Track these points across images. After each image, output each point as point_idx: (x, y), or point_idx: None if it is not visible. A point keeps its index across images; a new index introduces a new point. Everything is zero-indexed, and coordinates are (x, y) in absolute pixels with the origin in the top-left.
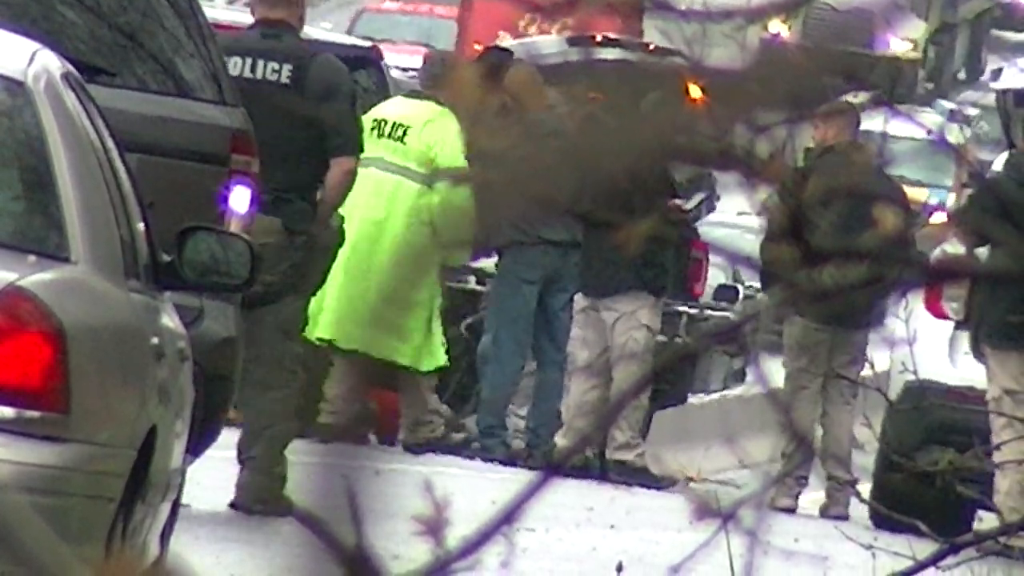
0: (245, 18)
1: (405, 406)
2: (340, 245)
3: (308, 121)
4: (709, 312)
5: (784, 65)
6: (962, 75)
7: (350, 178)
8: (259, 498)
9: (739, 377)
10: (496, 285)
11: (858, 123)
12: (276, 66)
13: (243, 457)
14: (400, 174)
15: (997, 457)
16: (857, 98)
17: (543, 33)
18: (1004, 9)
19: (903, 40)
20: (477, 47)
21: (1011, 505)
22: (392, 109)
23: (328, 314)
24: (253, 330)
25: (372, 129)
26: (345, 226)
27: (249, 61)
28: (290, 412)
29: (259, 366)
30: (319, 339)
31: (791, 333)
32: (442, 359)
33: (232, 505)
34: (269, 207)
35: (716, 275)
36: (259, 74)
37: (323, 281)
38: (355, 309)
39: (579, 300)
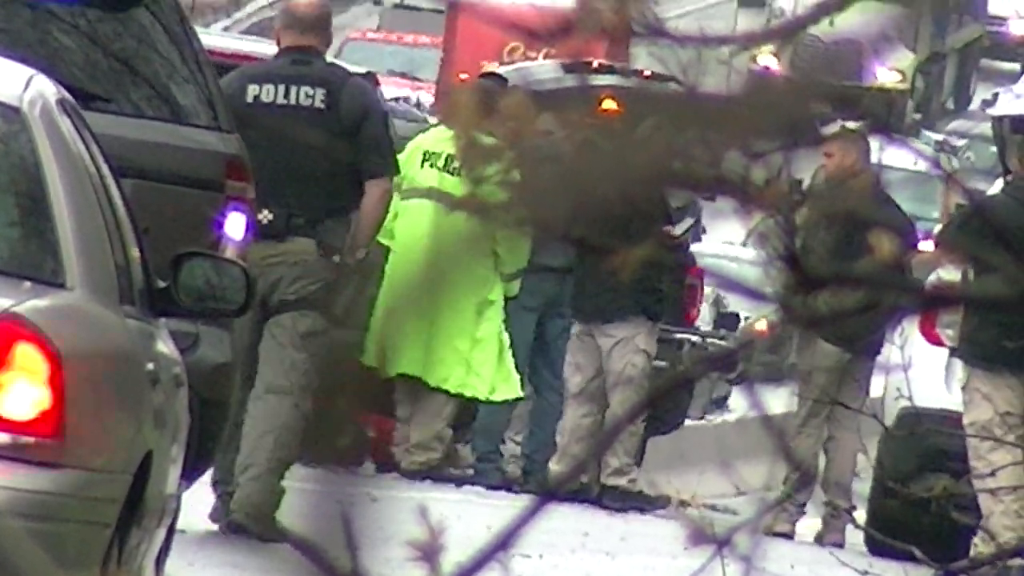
0: (240, 45)
1: (413, 429)
2: (383, 273)
3: (343, 144)
4: (712, 340)
5: (772, 95)
6: (950, 105)
7: (386, 200)
8: (253, 514)
9: (720, 404)
10: (510, 314)
11: (868, 150)
12: (310, 91)
13: (240, 471)
14: None
15: (990, 482)
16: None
17: (528, 60)
18: (992, 38)
19: (891, 71)
20: (462, 76)
21: (1007, 524)
22: (438, 140)
23: (407, 351)
24: (267, 337)
25: (423, 161)
26: (393, 258)
27: (283, 88)
28: (292, 423)
29: (267, 371)
30: (401, 375)
31: (811, 357)
32: (517, 390)
33: (225, 528)
34: (305, 230)
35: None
36: (292, 99)
37: (360, 307)
38: (423, 343)
39: (574, 325)
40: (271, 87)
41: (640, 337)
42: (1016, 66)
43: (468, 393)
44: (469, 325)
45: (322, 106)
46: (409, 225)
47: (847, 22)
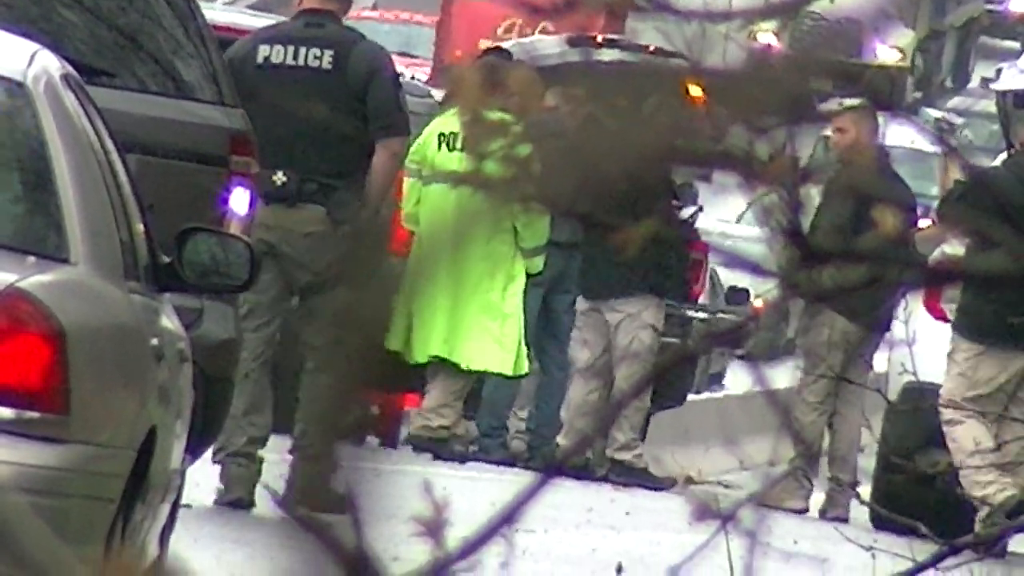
0: (244, 19)
1: (427, 398)
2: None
3: (351, 106)
4: (723, 317)
5: (773, 73)
6: (949, 83)
7: (397, 161)
8: (311, 492)
9: (716, 380)
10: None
11: (877, 126)
12: (318, 52)
13: (296, 448)
14: None
15: (959, 455)
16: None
17: (523, 37)
18: (991, 16)
19: (891, 48)
20: (458, 54)
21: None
22: (454, 121)
23: (435, 331)
24: (307, 320)
25: (440, 143)
26: (417, 243)
27: (291, 48)
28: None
29: (314, 354)
30: (434, 357)
31: (818, 332)
32: (526, 366)
33: (278, 503)
34: (314, 196)
35: (728, 278)
36: (301, 60)
37: (382, 277)
38: (456, 323)
39: (580, 302)
40: (281, 48)
41: (647, 313)
42: (1016, 44)
43: (497, 369)
44: (497, 302)
45: (329, 67)
46: (433, 210)
47: (847, 1)
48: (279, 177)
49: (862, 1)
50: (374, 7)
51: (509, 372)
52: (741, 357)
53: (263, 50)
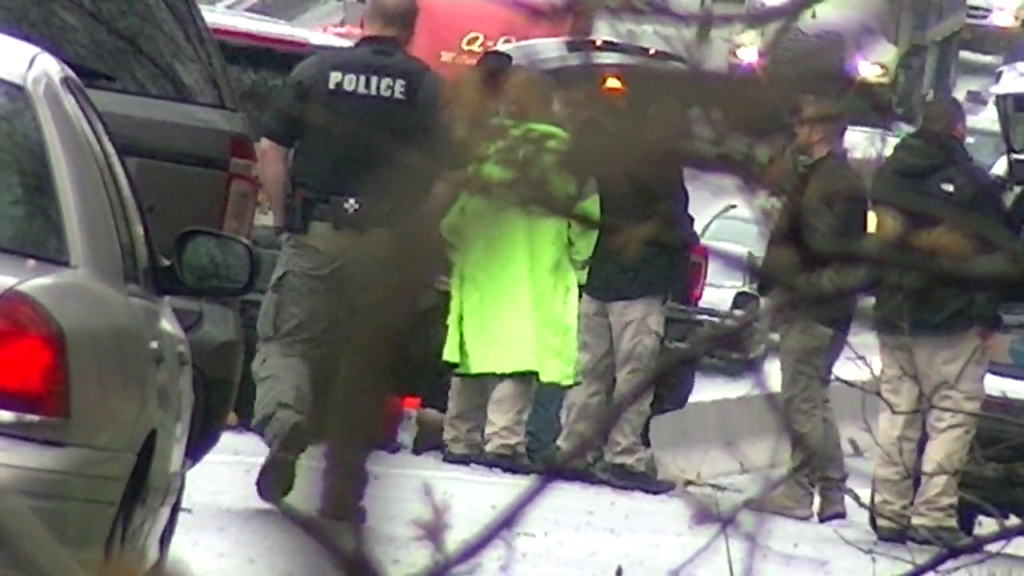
0: (244, 23)
1: (495, 415)
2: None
3: (421, 135)
4: (730, 321)
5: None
6: (931, 97)
7: (457, 193)
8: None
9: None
10: None
11: (843, 131)
12: (390, 82)
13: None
14: None
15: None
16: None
17: (488, 50)
18: (973, 30)
19: (873, 64)
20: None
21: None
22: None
23: (497, 346)
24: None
25: None
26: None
27: (364, 77)
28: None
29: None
30: (505, 373)
31: (798, 338)
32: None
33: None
34: (383, 221)
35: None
36: (373, 90)
37: (435, 293)
38: (517, 337)
39: (586, 303)
40: (353, 76)
41: (652, 317)
42: (997, 59)
43: (556, 380)
44: (560, 316)
45: (401, 97)
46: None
47: (829, 15)
48: (351, 204)
49: (843, 16)
50: (342, 23)
51: (568, 382)
52: (734, 360)
53: (335, 76)
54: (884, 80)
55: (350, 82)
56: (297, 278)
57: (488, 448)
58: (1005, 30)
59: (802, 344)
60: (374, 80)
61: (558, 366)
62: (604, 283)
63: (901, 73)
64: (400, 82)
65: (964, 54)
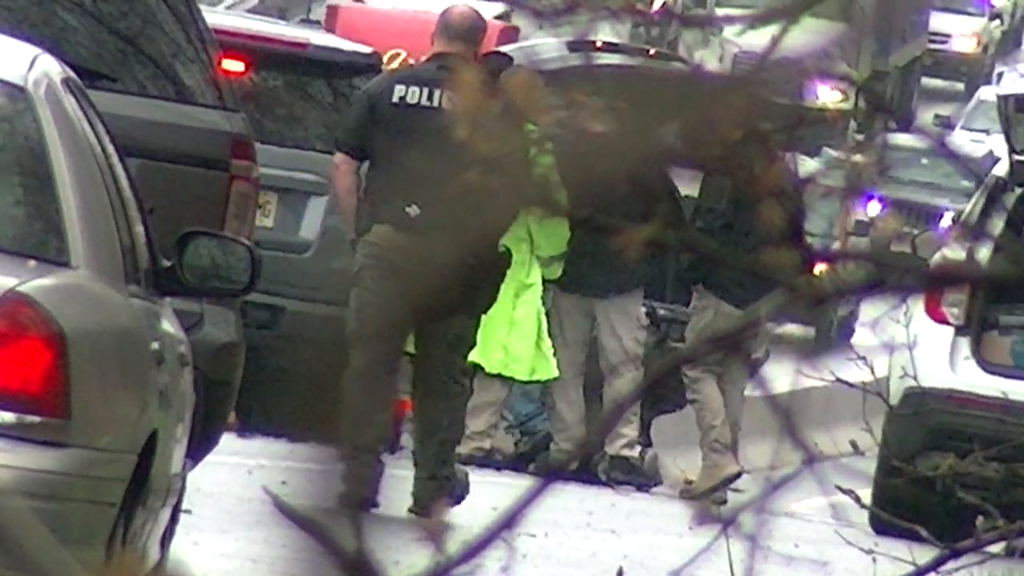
0: (245, 24)
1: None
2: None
3: None
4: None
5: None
6: (892, 123)
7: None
8: (426, 509)
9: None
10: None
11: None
12: (452, 95)
13: (416, 462)
14: None
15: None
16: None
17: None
18: (935, 55)
19: (833, 90)
20: None
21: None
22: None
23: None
24: (425, 343)
25: None
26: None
27: (426, 90)
28: (457, 421)
29: (430, 376)
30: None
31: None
32: (553, 370)
33: (411, 511)
34: (441, 225)
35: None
36: (435, 102)
37: (491, 303)
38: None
39: (575, 302)
40: (416, 89)
41: (639, 311)
42: (960, 84)
43: (507, 374)
44: (507, 309)
45: None
46: None
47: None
48: (413, 210)
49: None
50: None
51: (523, 378)
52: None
53: (399, 90)
54: (844, 105)
55: (413, 95)
56: (364, 271)
57: (462, 450)
58: (966, 56)
59: (700, 323)
60: (436, 93)
61: (502, 359)
62: (587, 280)
63: (862, 99)
64: None
65: (924, 80)
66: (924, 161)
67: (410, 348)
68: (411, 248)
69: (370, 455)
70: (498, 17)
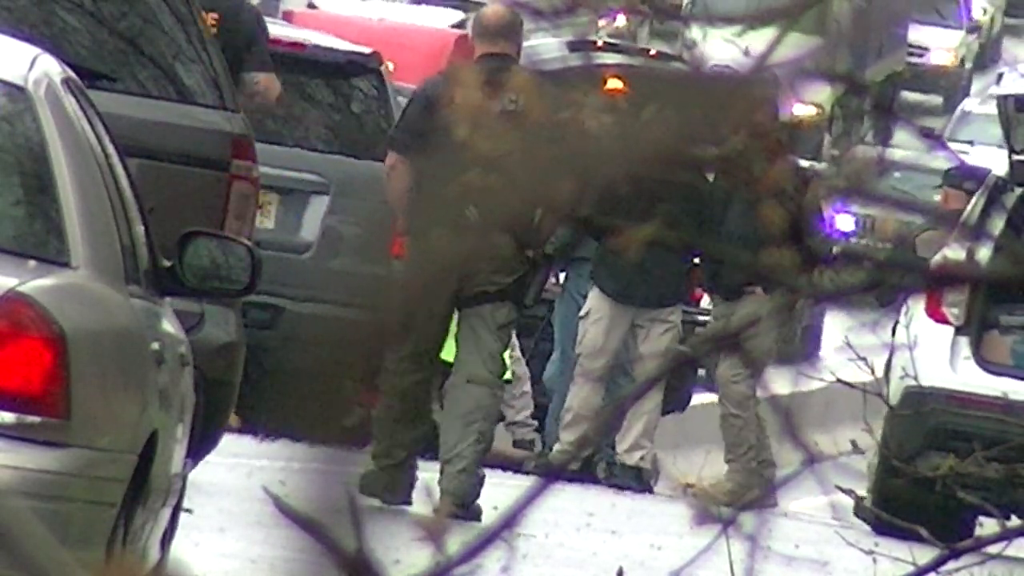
0: None
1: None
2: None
3: None
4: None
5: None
6: (869, 138)
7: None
8: (461, 503)
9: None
10: (560, 302)
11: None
12: (513, 96)
13: (445, 460)
14: None
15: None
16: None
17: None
18: (913, 69)
19: (808, 104)
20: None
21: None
22: None
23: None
24: (466, 327)
25: None
26: None
27: (485, 91)
28: (493, 413)
29: (467, 361)
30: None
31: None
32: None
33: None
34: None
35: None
36: (496, 104)
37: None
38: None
39: (622, 311)
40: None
41: (678, 321)
42: (938, 98)
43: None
44: None
45: (514, 108)
46: None
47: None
48: (471, 212)
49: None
50: None
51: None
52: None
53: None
54: (819, 119)
55: None
56: (414, 267)
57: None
58: (944, 69)
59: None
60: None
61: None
62: (635, 291)
63: (838, 113)
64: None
65: (904, 94)
66: (897, 175)
67: (447, 355)
68: (468, 247)
69: (408, 454)
70: (455, 26)
